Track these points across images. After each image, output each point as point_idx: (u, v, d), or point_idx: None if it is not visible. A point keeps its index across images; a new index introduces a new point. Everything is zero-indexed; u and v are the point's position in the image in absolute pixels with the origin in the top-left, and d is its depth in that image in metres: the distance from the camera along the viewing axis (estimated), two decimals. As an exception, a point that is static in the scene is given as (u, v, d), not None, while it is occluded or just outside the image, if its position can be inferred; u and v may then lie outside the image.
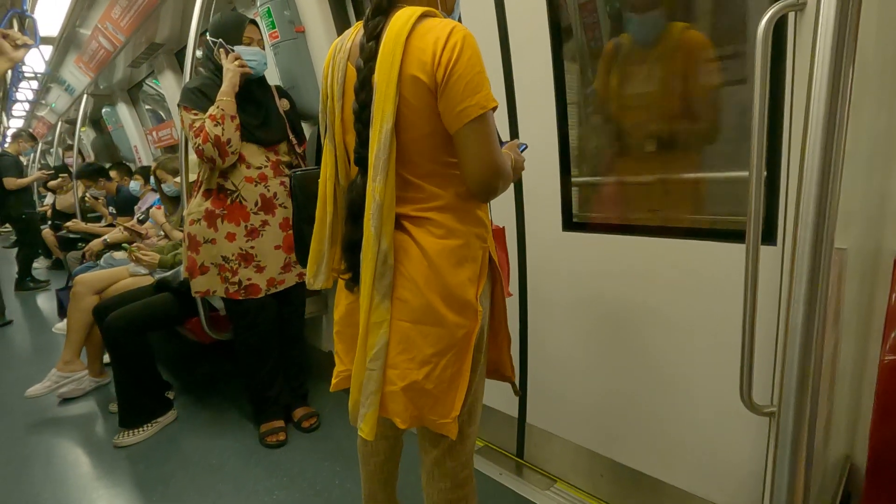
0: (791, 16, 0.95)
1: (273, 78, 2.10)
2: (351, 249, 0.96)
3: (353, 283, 0.98)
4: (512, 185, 1.56)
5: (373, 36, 0.88)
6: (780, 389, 0.63)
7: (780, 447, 0.69)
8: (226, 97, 1.70)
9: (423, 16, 0.86)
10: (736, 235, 1.16)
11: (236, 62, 1.74)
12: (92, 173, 4.01)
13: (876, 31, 0.83)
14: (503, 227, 1.26)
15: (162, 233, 2.77)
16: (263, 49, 1.83)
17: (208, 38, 1.78)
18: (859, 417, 0.99)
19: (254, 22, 1.82)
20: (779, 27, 0.97)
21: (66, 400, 2.40)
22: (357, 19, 2.05)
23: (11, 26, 2.19)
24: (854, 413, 1.00)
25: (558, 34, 1.39)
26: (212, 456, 1.88)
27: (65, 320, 2.48)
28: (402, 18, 0.85)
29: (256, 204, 1.80)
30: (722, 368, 1.17)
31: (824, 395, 0.94)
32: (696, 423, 1.28)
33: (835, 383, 0.95)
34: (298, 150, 1.94)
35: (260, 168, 1.81)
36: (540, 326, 1.61)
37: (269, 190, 1.82)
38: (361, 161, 0.92)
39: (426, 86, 0.84)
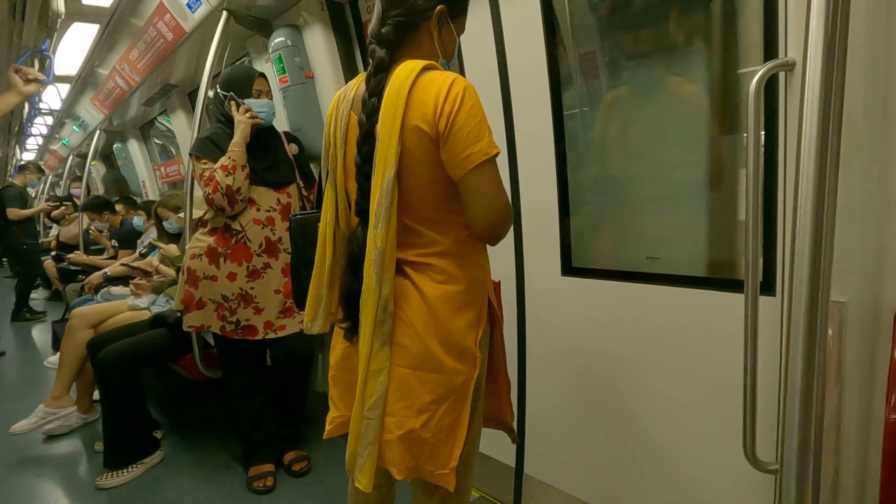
0: (781, 75, 0.99)
1: (281, 119, 2.16)
2: (349, 299, 0.96)
3: (352, 332, 0.97)
4: (512, 229, 1.58)
5: (374, 92, 0.91)
6: (782, 447, 0.61)
7: (785, 508, 0.66)
8: (237, 148, 1.75)
9: (425, 69, 0.89)
10: (735, 284, 1.16)
11: (247, 114, 1.80)
12: (97, 206, 4.07)
13: (863, 92, 0.86)
14: (499, 282, 1.26)
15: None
16: (271, 99, 1.90)
17: (219, 91, 1.84)
18: (868, 476, 0.96)
19: (262, 75, 1.89)
20: (772, 84, 1.01)
21: (51, 437, 2.33)
22: (365, 66, 2.13)
23: (32, 64, 2.28)
24: (862, 471, 0.97)
25: (558, 83, 1.43)
26: (196, 500, 1.81)
27: (57, 354, 2.45)
28: (404, 71, 0.89)
29: (261, 246, 1.81)
30: (726, 421, 1.14)
31: (830, 453, 0.92)
32: (701, 479, 1.23)
33: (841, 440, 0.92)
34: (305, 194, 1.97)
35: (269, 211, 1.83)
36: (539, 373, 1.58)
37: (274, 234, 1.84)
38: (362, 213, 0.93)
39: (428, 135, 0.87)
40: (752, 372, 0.96)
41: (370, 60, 0.95)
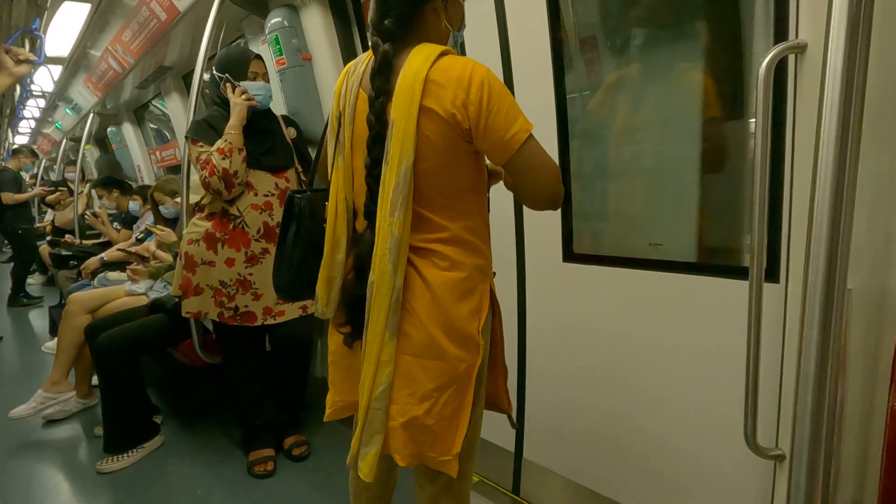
0: (791, 57, 0.97)
1: (279, 103, 2.12)
2: (353, 304, 0.94)
3: (353, 337, 0.96)
4: (512, 215, 1.56)
5: (382, 91, 0.88)
6: (792, 437, 0.61)
7: (793, 496, 0.66)
8: (233, 130, 1.72)
9: (442, 54, 0.88)
10: (737, 271, 1.15)
11: (243, 96, 1.76)
12: (106, 183, 4.02)
13: (875, 73, 0.84)
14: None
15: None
16: (268, 82, 1.86)
17: (214, 73, 1.81)
18: (868, 463, 0.96)
19: (258, 57, 1.85)
20: (780, 68, 0.99)
21: (50, 422, 2.33)
22: (364, 48, 2.09)
23: (22, 44, 2.21)
24: (862, 458, 0.97)
25: (561, 67, 1.41)
26: (197, 485, 1.82)
27: (55, 339, 2.43)
28: (420, 56, 0.87)
29: (259, 231, 1.79)
30: (726, 408, 1.14)
31: (835, 441, 0.92)
32: (701, 464, 1.24)
33: (843, 427, 0.92)
34: (304, 178, 1.95)
35: (267, 196, 1.81)
36: (539, 359, 1.58)
37: (272, 219, 1.81)
38: (371, 216, 0.91)
39: (444, 120, 0.85)
40: (755, 359, 0.96)
41: (373, 55, 0.91)
